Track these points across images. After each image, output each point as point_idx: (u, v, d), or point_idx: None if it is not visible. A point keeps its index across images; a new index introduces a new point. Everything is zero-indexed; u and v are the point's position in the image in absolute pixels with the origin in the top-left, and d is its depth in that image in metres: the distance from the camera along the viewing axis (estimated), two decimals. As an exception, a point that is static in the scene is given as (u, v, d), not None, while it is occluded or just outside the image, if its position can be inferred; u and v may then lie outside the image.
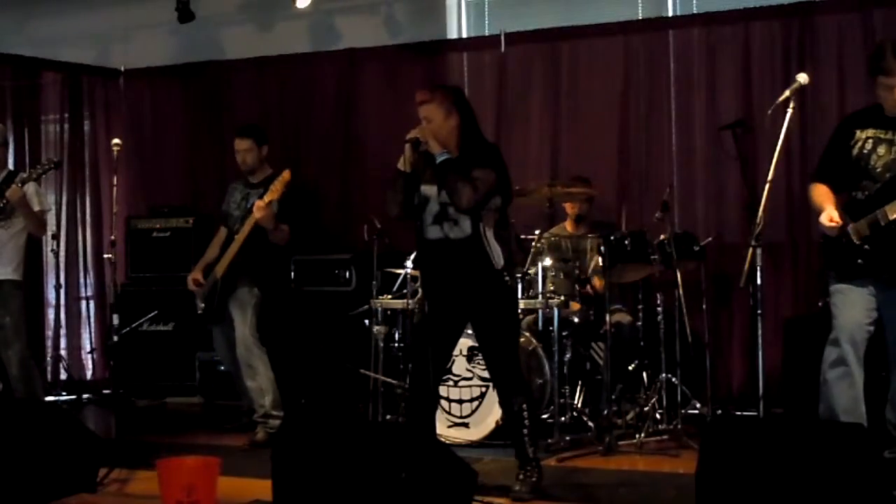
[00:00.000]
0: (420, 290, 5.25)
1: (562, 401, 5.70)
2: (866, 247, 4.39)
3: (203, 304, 6.04)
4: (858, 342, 4.42)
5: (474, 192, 4.40)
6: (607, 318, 5.63)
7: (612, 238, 5.67)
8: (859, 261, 4.41)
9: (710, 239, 6.13)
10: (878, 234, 4.37)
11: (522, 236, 6.11)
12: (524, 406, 4.58)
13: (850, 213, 4.46)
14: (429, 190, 4.56)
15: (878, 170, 4.44)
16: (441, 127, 4.55)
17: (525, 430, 4.59)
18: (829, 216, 4.38)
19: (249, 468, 4.83)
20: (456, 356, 5.57)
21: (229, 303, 5.96)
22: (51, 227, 7.66)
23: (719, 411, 6.08)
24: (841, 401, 4.39)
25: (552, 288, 5.77)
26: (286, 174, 5.74)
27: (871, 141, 4.48)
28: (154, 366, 7.59)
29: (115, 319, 6.31)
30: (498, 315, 4.60)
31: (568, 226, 6.53)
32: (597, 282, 6.11)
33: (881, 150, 4.45)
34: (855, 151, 4.50)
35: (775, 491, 3.44)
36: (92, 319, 8.23)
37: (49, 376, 7.85)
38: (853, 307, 4.45)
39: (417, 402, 4.67)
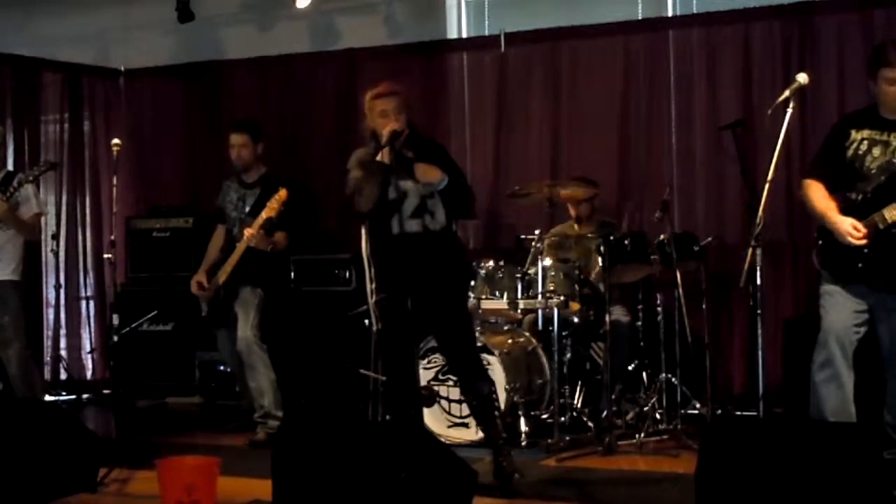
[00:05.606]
0: (376, 286, 4.80)
1: (562, 401, 5.70)
2: (866, 250, 4.34)
3: (207, 309, 6.05)
4: (846, 344, 4.39)
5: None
6: (607, 318, 5.63)
7: (612, 238, 5.66)
8: (859, 264, 4.36)
9: (710, 239, 6.11)
10: (876, 238, 4.33)
11: (522, 236, 6.10)
12: (493, 389, 4.84)
13: (847, 215, 4.40)
14: (406, 185, 4.62)
15: (873, 171, 4.42)
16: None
17: (497, 413, 4.81)
18: (854, 225, 4.32)
19: (249, 468, 4.83)
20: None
21: (234, 304, 5.97)
22: (51, 227, 7.68)
23: (719, 411, 6.07)
24: (829, 403, 4.38)
25: (552, 288, 5.77)
26: (283, 193, 5.67)
27: (866, 142, 4.47)
28: (154, 366, 7.58)
29: (115, 319, 6.31)
30: (463, 300, 4.88)
31: (575, 224, 6.52)
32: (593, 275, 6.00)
33: (876, 151, 4.44)
34: (850, 153, 4.48)
35: (775, 491, 3.44)
36: (92, 319, 8.22)
37: (49, 376, 7.84)
38: (841, 309, 4.43)
39: (400, 398, 4.78)
